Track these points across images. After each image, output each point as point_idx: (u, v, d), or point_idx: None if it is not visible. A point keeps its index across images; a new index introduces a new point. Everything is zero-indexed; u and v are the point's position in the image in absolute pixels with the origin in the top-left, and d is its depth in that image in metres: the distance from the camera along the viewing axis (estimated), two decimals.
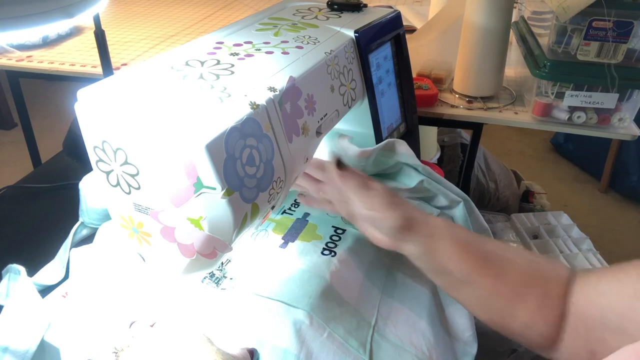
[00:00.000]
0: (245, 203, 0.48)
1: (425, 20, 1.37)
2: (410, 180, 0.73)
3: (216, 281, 0.62)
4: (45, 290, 0.64)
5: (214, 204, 0.45)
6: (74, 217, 0.74)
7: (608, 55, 0.86)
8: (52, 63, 1.15)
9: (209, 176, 0.44)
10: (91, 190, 0.71)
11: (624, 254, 1.85)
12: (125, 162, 0.46)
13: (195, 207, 0.46)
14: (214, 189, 0.44)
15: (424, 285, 0.68)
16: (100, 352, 0.53)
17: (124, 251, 0.62)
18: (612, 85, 0.86)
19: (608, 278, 0.45)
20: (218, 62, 0.54)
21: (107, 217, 0.68)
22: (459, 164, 1.56)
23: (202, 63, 0.54)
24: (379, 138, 0.76)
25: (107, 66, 0.86)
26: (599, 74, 0.87)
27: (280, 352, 0.53)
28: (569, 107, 0.92)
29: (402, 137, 0.82)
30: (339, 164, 0.61)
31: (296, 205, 0.76)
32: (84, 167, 0.75)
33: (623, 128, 0.93)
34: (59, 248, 0.70)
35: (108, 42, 0.85)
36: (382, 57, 0.77)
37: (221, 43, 0.60)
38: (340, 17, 0.74)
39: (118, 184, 0.48)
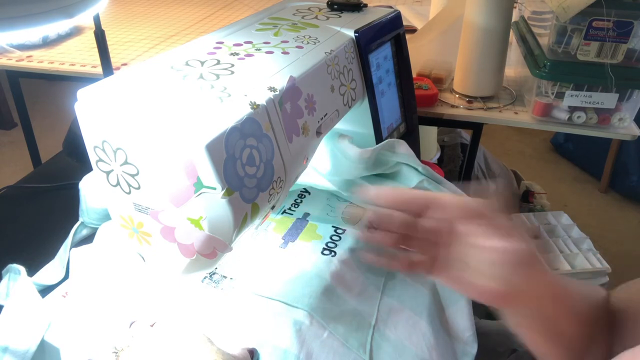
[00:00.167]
0: (245, 203, 0.48)
1: (425, 20, 1.37)
2: (410, 180, 0.73)
3: (216, 281, 0.62)
4: (45, 290, 0.64)
5: (214, 204, 0.45)
6: (74, 217, 0.74)
7: (608, 55, 0.86)
8: (52, 63, 1.15)
9: (209, 176, 0.44)
10: (91, 190, 0.71)
11: (624, 254, 1.85)
12: (125, 162, 0.46)
13: (195, 207, 0.46)
14: (214, 189, 0.44)
15: (424, 285, 0.68)
16: (100, 352, 0.53)
17: (124, 251, 0.62)
18: (610, 85, 0.86)
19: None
20: (218, 62, 0.54)
21: (107, 217, 0.68)
22: (459, 164, 1.56)
23: (202, 63, 0.54)
24: (379, 138, 0.76)
25: (107, 66, 0.86)
26: (599, 74, 0.87)
27: (281, 352, 0.53)
28: (569, 107, 0.92)
29: (402, 137, 0.82)
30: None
31: (296, 205, 0.76)
32: (84, 167, 0.75)
33: (623, 128, 0.93)
34: (59, 248, 0.70)
35: (108, 42, 0.85)
36: (382, 57, 0.77)
37: (221, 43, 0.60)
38: (340, 17, 0.74)
39: (118, 184, 0.48)
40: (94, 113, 0.46)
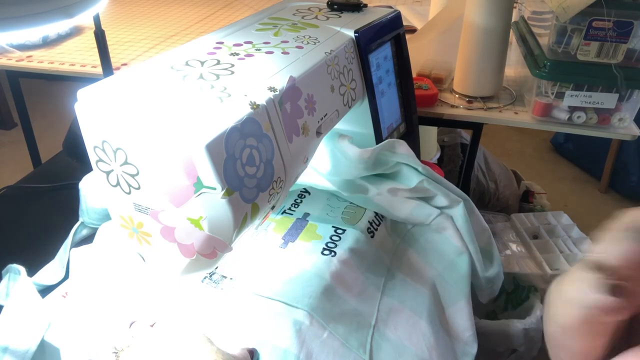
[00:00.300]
0: (245, 203, 0.48)
1: (425, 20, 1.37)
2: (410, 180, 0.73)
3: (216, 281, 0.62)
4: (45, 290, 0.64)
5: (214, 204, 0.45)
6: (74, 217, 0.74)
7: (608, 55, 0.86)
8: (52, 63, 1.15)
9: (209, 176, 0.44)
10: (91, 190, 0.71)
11: None
12: (125, 162, 0.46)
13: (195, 207, 0.46)
14: (214, 189, 0.44)
15: (424, 285, 0.68)
16: (100, 352, 0.53)
17: (124, 251, 0.62)
18: (622, 85, 0.86)
19: None
20: (218, 62, 0.54)
21: (107, 217, 0.68)
22: (459, 164, 1.56)
23: (202, 63, 0.54)
24: (379, 138, 0.76)
25: (107, 66, 0.86)
26: (599, 74, 0.87)
27: (280, 352, 0.53)
28: (569, 107, 0.92)
29: (402, 137, 0.82)
30: None
31: (296, 205, 0.76)
32: (84, 167, 0.75)
33: (623, 128, 0.93)
34: (59, 248, 0.70)
35: (108, 42, 0.85)
36: (382, 57, 0.77)
37: (221, 43, 0.60)
38: (340, 17, 0.74)
39: (118, 184, 0.48)
40: (94, 113, 0.46)
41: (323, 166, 0.74)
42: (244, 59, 0.56)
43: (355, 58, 0.69)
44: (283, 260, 0.64)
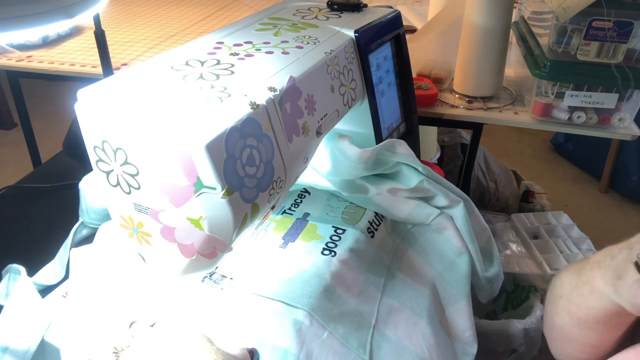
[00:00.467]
0: (245, 203, 0.48)
1: (425, 20, 1.37)
2: (410, 180, 0.73)
3: (216, 281, 0.62)
4: (45, 290, 0.64)
5: (214, 204, 0.45)
6: (74, 217, 0.74)
7: (608, 55, 0.86)
8: (52, 63, 1.15)
9: (209, 176, 0.44)
10: (91, 190, 0.71)
11: None
12: (125, 162, 0.46)
13: (195, 207, 0.46)
14: (214, 189, 0.44)
15: (424, 285, 0.69)
16: (100, 352, 0.53)
17: (124, 251, 0.62)
18: (623, 86, 0.86)
19: None
20: (218, 62, 0.54)
21: (107, 217, 0.68)
22: (459, 164, 1.56)
23: (202, 63, 0.54)
24: (379, 138, 0.76)
25: (107, 66, 0.86)
26: (599, 74, 0.87)
27: (281, 352, 0.53)
28: (569, 107, 0.92)
29: (402, 137, 0.82)
30: None
31: (296, 205, 0.76)
32: (84, 167, 0.76)
33: (623, 128, 0.93)
34: (59, 248, 0.70)
35: (108, 42, 0.85)
36: (382, 57, 0.77)
37: (221, 43, 0.60)
38: (340, 17, 0.74)
39: (118, 184, 0.48)
40: (94, 113, 0.46)
41: (323, 166, 0.74)
42: (244, 59, 0.56)
43: (355, 58, 0.69)
44: (283, 260, 0.64)
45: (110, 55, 0.87)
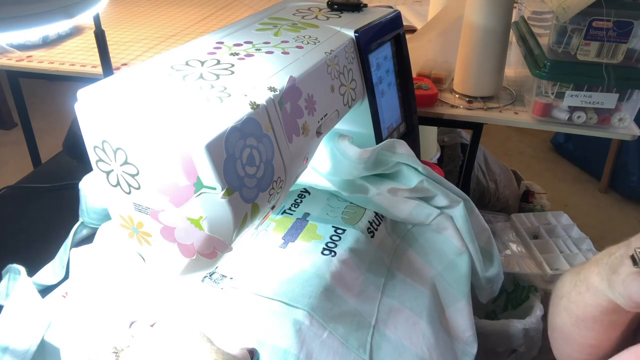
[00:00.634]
0: (245, 203, 0.48)
1: (425, 20, 1.37)
2: (410, 180, 0.73)
3: (216, 281, 0.62)
4: (45, 290, 0.64)
5: (214, 204, 0.45)
6: (74, 217, 0.74)
7: (608, 55, 0.86)
8: (52, 63, 1.15)
9: (209, 176, 0.44)
10: (91, 190, 0.71)
11: None
12: (125, 162, 0.46)
13: (195, 207, 0.46)
14: (214, 189, 0.44)
15: (424, 285, 0.69)
16: (100, 352, 0.53)
17: (124, 251, 0.62)
18: (608, 85, 0.86)
19: None
20: (218, 62, 0.54)
21: (107, 217, 0.68)
22: (459, 164, 1.56)
23: (202, 63, 0.54)
24: (379, 138, 0.76)
25: (107, 66, 0.86)
26: (599, 74, 0.87)
27: (281, 352, 0.53)
28: (569, 107, 0.92)
29: (402, 137, 0.82)
30: None
31: (296, 205, 0.76)
32: (84, 167, 0.76)
33: (623, 128, 0.93)
34: (59, 248, 0.70)
35: (108, 42, 0.85)
36: (382, 57, 0.77)
37: (221, 43, 0.60)
38: (340, 17, 0.74)
39: (118, 184, 0.48)
40: (94, 113, 0.46)
41: (323, 166, 0.74)
42: (244, 59, 0.56)
43: (355, 58, 0.69)
44: (283, 260, 0.64)
45: (110, 55, 0.87)
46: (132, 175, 0.47)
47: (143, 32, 1.35)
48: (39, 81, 2.68)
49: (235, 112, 0.46)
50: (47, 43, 1.26)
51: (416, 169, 0.73)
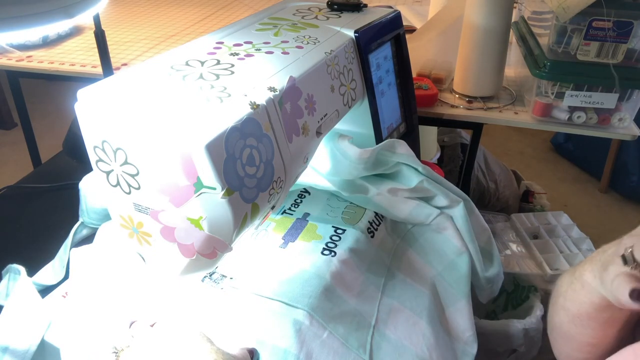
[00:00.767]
0: (245, 203, 0.48)
1: (425, 20, 1.37)
2: (410, 180, 0.73)
3: (216, 281, 0.62)
4: (45, 290, 0.64)
5: (214, 204, 0.45)
6: (74, 217, 0.74)
7: (608, 55, 0.86)
8: (52, 63, 1.15)
9: (209, 176, 0.44)
10: (91, 190, 0.71)
11: None
12: (125, 162, 0.46)
13: (195, 207, 0.46)
14: (214, 189, 0.44)
15: (424, 285, 0.68)
16: (100, 352, 0.53)
17: (124, 251, 0.62)
18: (618, 85, 0.86)
19: None
20: (218, 62, 0.54)
21: (107, 217, 0.68)
22: (459, 164, 1.56)
23: (202, 63, 0.54)
24: (379, 138, 0.76)
25: (107, 66, 0.86)
26: (599, 74, 0.87)
27: (281, 352, 0.53)
28: (569, 107, 0.92)
29: (402, 137, 0.82)
30: None
31: (296, 205, 0.76)
32: (84, 167, 0.76)
33: (623, 128, 0.93)
34: (59, 248, 0.70)
35: (108, 42, 0.85)
36: (382, 57, 0.77)
37: (221, 43, 0.60)
38: (340, 17, 0.74)
39: (118, 184, 0.48)
40: (94, 113, 0.46)
41: (323, 166, 0.74)
42: (244, 59, 0.56)
43: (355, 58, 0.69)
44: (283, 260, 0.64)
45: (110, 55, 0.87)
46: (132, 175, 0.47)
47: (143, 32, 1.35)
48: (39, 81, 2.68)
49: (235, 112, 0.46)
50: (47, 43, 1.26)
51: (416, 169, 0.73)
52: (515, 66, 1.16)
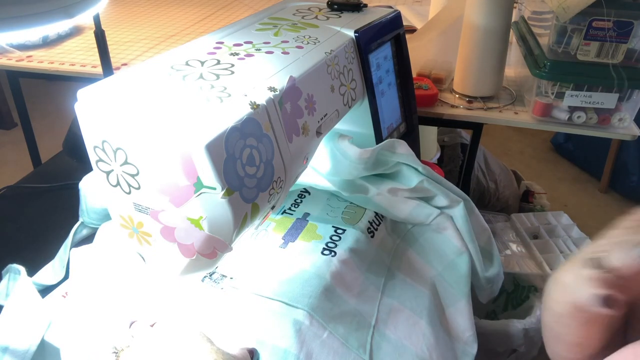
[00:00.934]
0: (245, 203, 0.48)
1: (425, 20, 1.37)
2: (410, 180, 0.73)
3: (216, 280, 0.62)
4: (45, 290, 0.64)
5: (214, 204, 0.45)
6: (74, 217, 0.74)
7: (608, 55, 0.86)
8: (52, 63, 1.15)
9: (209, 176, 0.44)
10: (91, 190, 0.71)
11: None
12: (125, 162, 0.46)
13: (195, 207, 0.46)
14: (214, 189, 0.44)
15: (424, 285, 0.68)
16: (100, 352, 0.53)
17: (124, 251, 0.62)
18: (618, 85, 0.86)
19: None
20: (218, 62, 0.54)
21: (107, 217, 0.68)
22: (459, 164, 1.56)
23: (202, 63, 0.54)
24: (379, 138, 0.76)
25: (107, 66, 0.86)
26: (599, 74, 0.87)
27: (281, 352, 0.53)
28: (569, 107, 0.92)
29: (402, 137, 0.82)
30: None
31: (296, 205, 0.76)
32: (84, 167, 0.75)
33: (623, 128, 0.93)
34: (59, 248, 0.70)
35: (108, 42, 0.85)
36: (382, 57, 0.77)
37: (221, 43, 0.60)
38: (340, 17, 0.74)
39: (118, 184, 0.48)
40: (94, 113, 0.46)
41: (323, 166, 0.74)
42: (244, 59, 0.56)
43: (355, 58, 0.69)
44: (283, 260, 0.64)
45: (110, 55, 0.87)
46: (132, 175, 0.47)
47: (143, 32, 1.35)
48: (39, 81, 2.68)
49: (235, 112, 0.46)
50: (47, 43, 1.26)
51: (416, 169, 0.73)
52: (515, 66, 1.16)
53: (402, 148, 0.72)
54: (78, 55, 1.19)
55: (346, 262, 0.65)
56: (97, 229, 0.71)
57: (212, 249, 0.49)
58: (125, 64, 1.14)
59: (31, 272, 0.64)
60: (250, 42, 0.61)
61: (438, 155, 1.34)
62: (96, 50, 0.84)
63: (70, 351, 0.54)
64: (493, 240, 0.77)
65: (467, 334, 0.66)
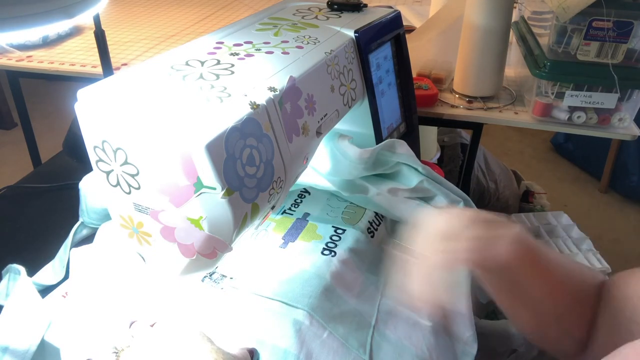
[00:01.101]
0: (245, 203, 0.48)
1: (425, 20, 1.37)
2: (410, 180, 0.73)
3: (216, 280, 0.62)
4: (45, 290, 0.64)
5: (214, 204, 0.45)
6: (74, 217, 0.74)
7: (608, 55, 0.86)
8: (52, 63, 1.15)
9: (209, 176, 0.44)
10: (91, 190, 0.71)
11: (624, 254, 1.85)
12: (125, 162, 0.46)
13: (195, 207, 0.46)
14: (214, 189, 0.44)
15: None
16: (100, 352, 0.53)
17: (124, 251, 0.62)
18: (617, 86, 0.86)
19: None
20: (218, 62, 0.54)
21: (107, 217, 0.68)
22: (459, 164, 1.56)
23: (202, 63, 0.54)
24: (379, 138, 0.76)
25: (107, 66, 0.86)
26: (599, 74, 0.87)
27: (281, 352, 0.53)
28: (569, 107, 0.92)
29: (402, 137, 0.82)
30: None
31: (296, 205, 0.76)
32: (84, 167, 0.75)
33: (623, 128, 0.93)
34: (59, 248, 0.70)
35: (108, 42, 0.85)
36: (382, 57, 0.77)
37: (221, 43, 0.60)
38: (340, 17, 0.74)
39: (118, 184, 0.48)
40: (94, 113, 0.46)
41: (323, 166, 0.74)
42: (244, 59, 0.56)
43: (355, 58, 0.69)
44: (283, 260, 0.64)
45: (110, 55, 0.87)
46: (132, 175, 0.47)
47: (143, 32, 1.35)
48: (39, 81, 2.68)
49: (235, 112, 0.46)
50: (47, 43, 1.26)
51: (416, 169, 0.73)
52: (515, 66, 1.16)
53: (402, 148, 0.72)
54: (78, 55, 1.19)
55: (346, 262, 0.65)
56: (97, 229, 0.71)
57: (212, 249, 0.49)
58: (125, 64, 1.14)
59: (31, 272, 0.64)
60: (250, 42, 0.61)
61: (438, 155, 1.33)
62: (96, 50, 0.84)
63: (70, 351, 0.54)
64: None
65: (467, 334, 0.66)
